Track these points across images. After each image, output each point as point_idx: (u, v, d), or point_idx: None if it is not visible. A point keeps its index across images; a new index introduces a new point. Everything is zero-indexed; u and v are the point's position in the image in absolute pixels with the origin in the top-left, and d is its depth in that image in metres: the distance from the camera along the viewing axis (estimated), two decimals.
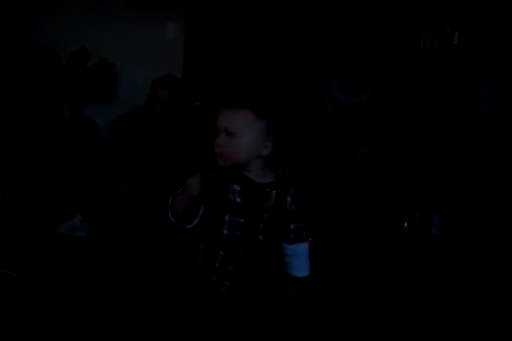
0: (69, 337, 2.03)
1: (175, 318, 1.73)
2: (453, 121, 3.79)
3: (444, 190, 3.64)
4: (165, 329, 2.04)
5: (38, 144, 3.35)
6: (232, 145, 1.46)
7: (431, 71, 3.83)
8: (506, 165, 3.68)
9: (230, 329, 1.55)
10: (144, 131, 3.19)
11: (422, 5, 3.81)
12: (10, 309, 2.16)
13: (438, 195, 3.62)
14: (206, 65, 4.01)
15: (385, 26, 3.89)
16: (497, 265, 3.10)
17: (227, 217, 1.49)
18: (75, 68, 3.56)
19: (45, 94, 3.48)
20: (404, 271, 2.99)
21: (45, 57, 3.47)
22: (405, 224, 3.50)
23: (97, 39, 3.69)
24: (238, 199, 1.49)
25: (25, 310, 2.17)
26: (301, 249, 1.65)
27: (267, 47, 4.03)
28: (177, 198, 1.50)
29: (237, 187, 1.49)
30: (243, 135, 1.46)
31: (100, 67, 3.62)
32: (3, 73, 3.34)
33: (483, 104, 3.82)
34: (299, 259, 1.65)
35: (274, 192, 1.53)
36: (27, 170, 3.12)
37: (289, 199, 1.56)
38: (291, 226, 1.61)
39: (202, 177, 1.45)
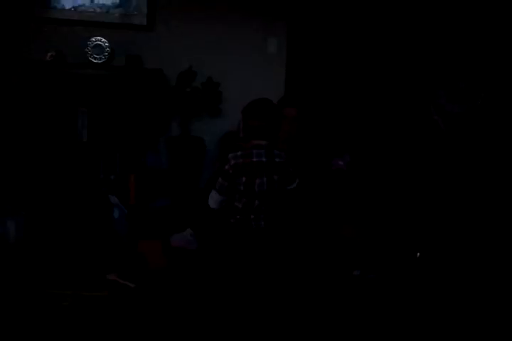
0: None
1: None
2: None
3: None
4: None
5: (152, 161, 3.54)
6: None
7: None
8: None
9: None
10: None
11: None
12: (130, 320, 2.26)
13: None
14: (308, 80, 4.04)
15: (495, 32, 3.70)
16: None
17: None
18: (183, 87, 3.73)
19: (156, 113, 3.67)
20: None
21: (155, 78, 3.67)
22: None
23: (202, 59, 3.84)
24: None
25: (145, 321, 2.27)
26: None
27: (370, 59, 3.98)
28: None
29: None
30: None
31: (207, 85, 3.76)
32: (118, 95, 3.58)
33: None
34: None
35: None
36: (143, 186, 3.30)
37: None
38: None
39: None
